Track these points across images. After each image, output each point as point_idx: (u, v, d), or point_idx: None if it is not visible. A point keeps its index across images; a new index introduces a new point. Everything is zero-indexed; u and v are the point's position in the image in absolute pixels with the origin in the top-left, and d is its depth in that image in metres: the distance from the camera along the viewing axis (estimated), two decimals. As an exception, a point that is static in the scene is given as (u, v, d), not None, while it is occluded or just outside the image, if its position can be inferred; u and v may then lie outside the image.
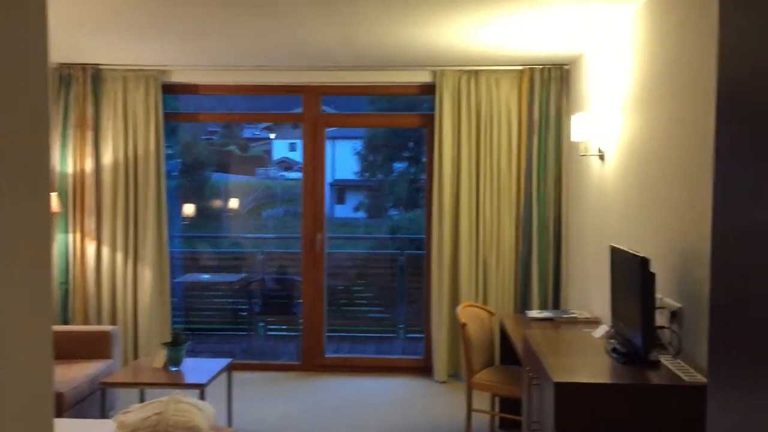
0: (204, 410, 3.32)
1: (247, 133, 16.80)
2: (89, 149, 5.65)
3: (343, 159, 14.71)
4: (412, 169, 13.25)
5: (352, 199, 15.83)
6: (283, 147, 17.58)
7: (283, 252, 8.62)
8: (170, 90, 5.92)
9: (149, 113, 5.67)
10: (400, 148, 13.53)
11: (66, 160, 5.65)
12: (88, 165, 5.66)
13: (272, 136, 17.01)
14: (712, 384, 1.34)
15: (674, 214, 3.25)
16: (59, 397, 4.16)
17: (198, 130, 12.93)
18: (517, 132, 5.60)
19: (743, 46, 1.26)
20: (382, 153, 13.77)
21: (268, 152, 17.56)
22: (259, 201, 15.20)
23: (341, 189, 15.86)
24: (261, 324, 7.67)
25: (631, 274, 3.03)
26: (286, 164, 17.14)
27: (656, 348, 3.03)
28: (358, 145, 14.06)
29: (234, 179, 15.53)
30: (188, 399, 3.35)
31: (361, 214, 15.03)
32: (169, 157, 9.90)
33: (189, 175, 12.42)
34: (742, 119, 1.26)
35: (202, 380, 4.28)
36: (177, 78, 5.80)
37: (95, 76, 5.64)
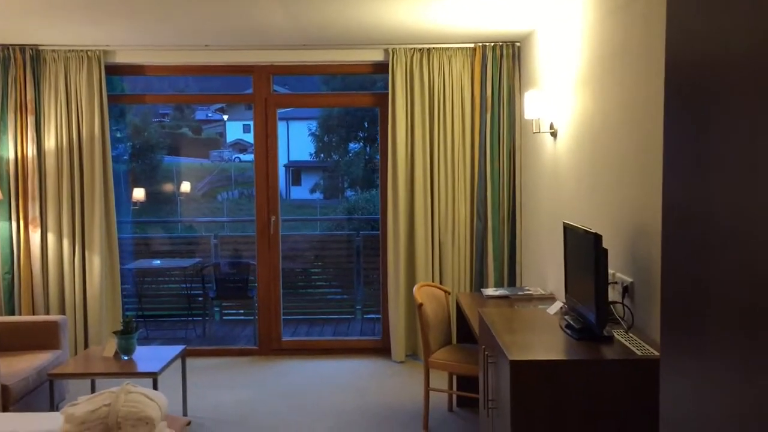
0: (156, 400, 3.23)
1: (200, 115, 16.50)
2: (30, 134, 5.44)
3: (297, 140, 14.56)
4: (368, 149, 13.18)
5: (308, 181, 15.71)
6: (237, 129, 17.32)
7: (238, 235, 8.50)
8: (114, 71, 5.74)
9: (93, 95, 5.48)
10: (355, 128, 13.44)
11: (6, 145, 5.44)
12: (30, 150, 5.45)
13: (225, 117, 16.73)
14: (665, 356, 1.33)
15: (625, 190, 3.26)
16: (5, 390, 4.02)
17: (148, 113, 12.63)
18: (470, 110, 5.58)
19: (690, 27, 1.24)
20: (337, 133, 13.66)
21: (222, 134, 17.28)
22: (213, 184, 14.98)
23: (297, 171, 15.72)
24: (216, 309, 7.56)
25: (584, 251, 3.03)
26: (241, 146, 16.89)
27: (609, 323, 3.05)
28: (313, 125, 13.91)
29: (187, 162, 15.26)
30: (139, 389, 3.26)
31: (317, 196, 14.93)
32: (119, 140, 9.68)
33: (140, 159, 12.14)
34: (689, 97, 1.24)
35: (155, 368, 4.19)
36: (121, 59, 5.61)
37: (34, 57, 5.43)
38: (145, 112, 12.30)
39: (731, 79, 1.09)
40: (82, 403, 3.16)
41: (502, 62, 5.49)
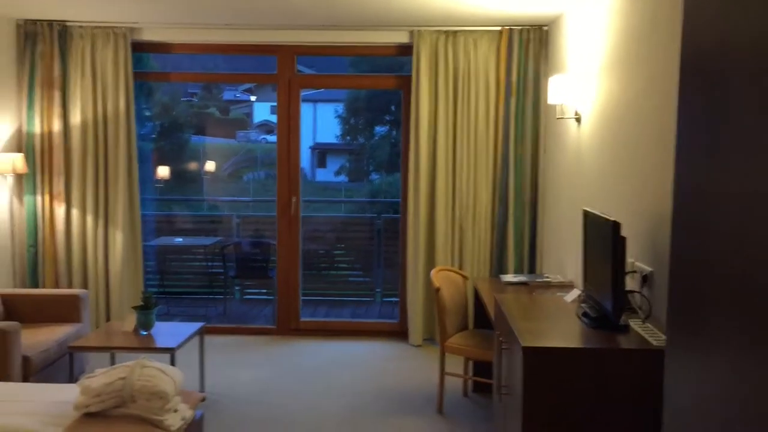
0: (170, 375, 3.27)
1: (228, 95, 16.53)
2: (57, 109, 5.50)
3: (324, 122, 14.53)
4: (394, 132, 13.12)
5: (334, 163, 15.70)
6: (265, 110, 17.35)
7: (260, 215, 8.54)
8: (140, 48, 5.76)
9: (118, 72, 5.52)
10: (381, 112, 13.38)
11: (33, 120, 5.50)
12: (56, 125, 5.51)
13: (253, 98, 16.76)
14: (670, 344, 1.30)
15: (646, 178, 3.20)
16: (26, 361, 4.09)
17: (177, 92, 12.69)
18: (495, 94, 5.51)
19: (706, 12, 1.20)
20: (364, 116, 13.61)
21: (249, 115, 17.32)
22: (239, 164, 15.04)
23: (322, 153, 15.71)
24: (237, 288, 7.62)
25: (603, 238, 2.99)
26: (267, 127, 16.93)
27: (627, 312, 3.01)
28: (340, 108, 13.88)
29: (214, 142, 15.34)
30: (154, 363, 3.30)
31: (342, 178, 14.92)
32: (147, 118, 9.73)
33: (167, 138, 12.22)
34: (703, 82, 1.21)
35: (173, 344, 4.23)
36: (147, 36, 5.63)
37: (62, 33, 5.47)
38: (174, 91, 12.35)
39: (745, 64, 1.06)
40: (98, 376, 3.21)
41: (529, 46, 5.41)
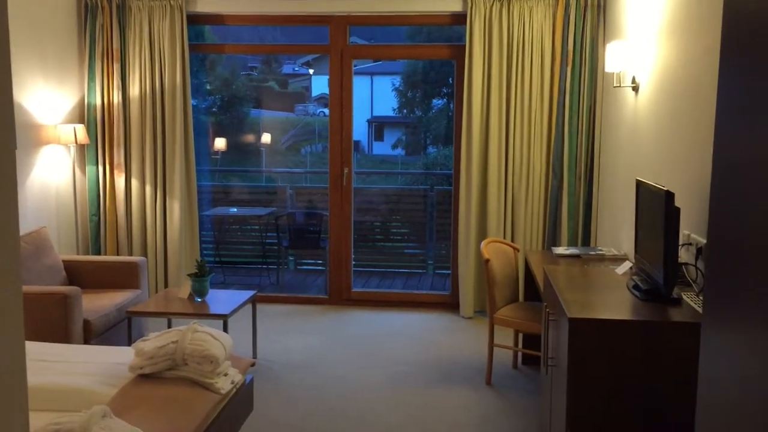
0: (221, 340, 3.34)
1: (287, 69, 16.62)
2: (116, 81, 5.63)
3: (381, 95, 14.47)
4: (451, 105, 12.97)
5: (391, 136, 15.66)
6: (323, 83, 17.36)
7: (313, 186, 8.60)
8: (195, 20, 5.83)
9: (175, 44, 5.60)
10: (438, 84, 13.24)
11: (94, 91, 5.65)
12: (116, 97, 5.65)
13: (311, 72, 16.82)
14: (708, 319, 1.26)
15: (704, 148, 3.08)
16: (87, 324, 4.25)
17: (237, 66, 12.83)
18: (550, 63, 5.38)
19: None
20: (421, 89, 13.50)
21: (308, 88, 17.41)
22: (298, 137, 15.16)
23: (379, 126, 15.68)
24: (291, 258, 7.72)
25: (656, 209, 2.90)
26: (325, 100, 16.96)
27: (680, 285, 2.93)
28: (397, 81, 13.79)
29: (273, 115, 15.47)
30: (205, 329, 3.38)
31: (399, 151, 14.87)
32: (207, 92, 9.84)
33: (227, 111, 12.40)
34: (744, 48, 1.14)
35: (225, 311, 4.33)
36: (202, 8, 5.69)
37: (120, 6, 5.58)
38: (235, 65, 12.48)
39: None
40: (152, 340, 3.30)
41: (586, 13, 5.25)
